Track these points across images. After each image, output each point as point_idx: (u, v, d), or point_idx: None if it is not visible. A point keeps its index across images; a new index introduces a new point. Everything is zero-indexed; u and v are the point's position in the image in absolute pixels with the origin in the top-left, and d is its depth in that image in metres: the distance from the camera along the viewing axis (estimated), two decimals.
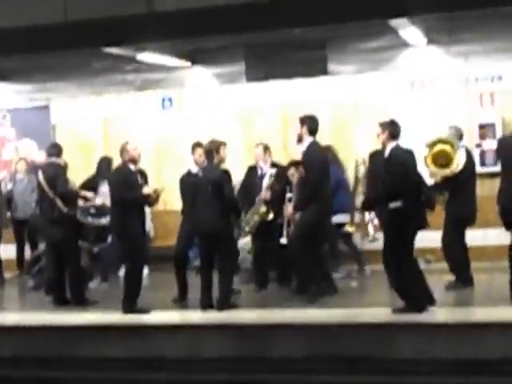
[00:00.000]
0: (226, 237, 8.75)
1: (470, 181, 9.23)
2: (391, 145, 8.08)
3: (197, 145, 9.62)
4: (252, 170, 10.23)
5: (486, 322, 7.62)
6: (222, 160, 8.93)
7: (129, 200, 8.86)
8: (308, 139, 8.93)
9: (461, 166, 8.99)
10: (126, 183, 8.91)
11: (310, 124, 8.95)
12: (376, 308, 8.42)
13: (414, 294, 8.00)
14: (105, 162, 10.92)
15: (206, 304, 8.72)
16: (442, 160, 8.89)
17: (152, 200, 9.13)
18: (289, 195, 9.50)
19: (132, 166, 9.03)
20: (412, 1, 8.29)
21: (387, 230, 8.13)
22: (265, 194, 9.76)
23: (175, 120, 12.61)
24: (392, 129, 8.15)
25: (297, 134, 9.06)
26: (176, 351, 8.01)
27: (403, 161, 8.01)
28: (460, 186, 9.08)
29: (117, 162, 9.46)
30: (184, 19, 8.85)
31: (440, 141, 8.97)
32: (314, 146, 8.93)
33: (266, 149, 10.20)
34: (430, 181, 8.95)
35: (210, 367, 7.80)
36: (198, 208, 8.84)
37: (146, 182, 9.91)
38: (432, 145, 8.95)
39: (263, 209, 9.71)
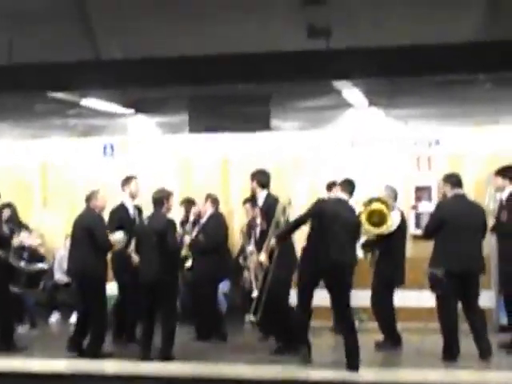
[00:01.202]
0: (168, 287, 8.71)
1: (401, 242, 9.42)
2: (262, 194, 8.85)
3: (132, 177, 9.82)
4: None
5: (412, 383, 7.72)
6: (168, 209, 8.99)
7: (100, 244, 8.89)
8: (262, 193, 9.07)
9: (394, 227, 9.17)
10: (96, 227, 8.96)
11: (261, 178, 9.12)
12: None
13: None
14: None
15: (145, 355, 8.65)
16: (376, 218, 9.04)
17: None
18: (250, 248, 9.51)
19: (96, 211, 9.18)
20: (354, 65, 8.48)
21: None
22: None
23: (116, 167, 12.54)
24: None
25: (250, 190, 9.29)
26: None
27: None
28: (391, 247, 9.27)
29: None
30: (130, 68, 8.90)
31: (376, 200, 9.13)
32: (269, 197, 9.04)
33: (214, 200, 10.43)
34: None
35: None
36: (142, 258, 8.82)
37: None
38: (368, 203, 9.10)
39: None
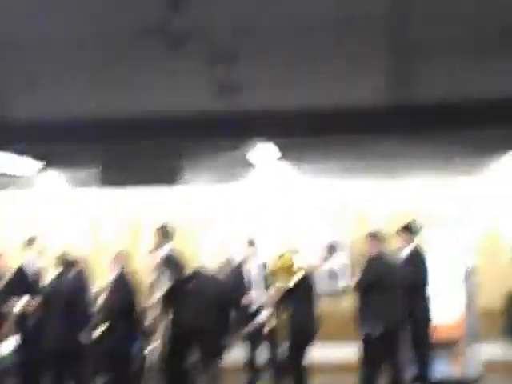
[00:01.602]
0: (75, 353, 8.55)
1: (308, 299, 9.44)
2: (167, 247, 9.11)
3: (33, 239, 9.58)
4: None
5: None
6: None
7: None
8: (166, 246, 9.07)
9: (294, 282, 9.20)
10: None
11: (165, 231, 9.15)
12: None
13: None
14: None
15: None
16: (284, 274, 9.12)
17: None
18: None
19: None
20: (263, 125, 8.57)
21: None
22: None
23: (23, 222, 12.30)
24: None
25: (154, 243, 9.25)
26: None
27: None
28: (299, 303, 9.29)
29: None
30: (37, 126, 8.80)
31: (281, 257, 9.23)
32: (172, 251, 9.03)
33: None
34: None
35: None
36: (47, 321, 8.59)
37: None
38: (277, 259, 9.20)
39: None
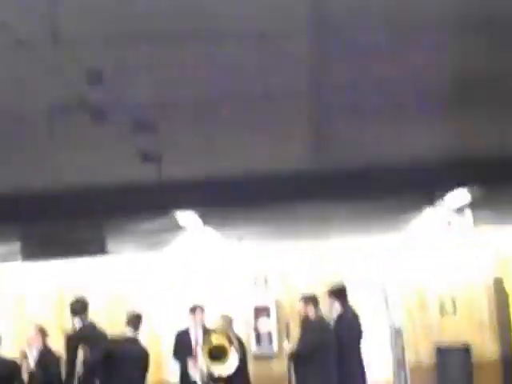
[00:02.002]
0: None
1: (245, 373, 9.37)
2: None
3: None
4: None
5: None
6: None
7: None
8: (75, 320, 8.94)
9: (232, 369, 9.02)
10: None
11: (74, 305, 9.02)
12: None
13: None
14: None
15: None
16: (217, 353, 8.95)
17: None
18: None
19: None
20: (185, 195, 8.59)
21: None
22: None
23: None
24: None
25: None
26: None
27: None
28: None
29: None
30: None
31: (214, 332, 9.08)
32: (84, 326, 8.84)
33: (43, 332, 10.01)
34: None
35: None
36: None
37: None
38: (207, 337, 9.01)
39: None
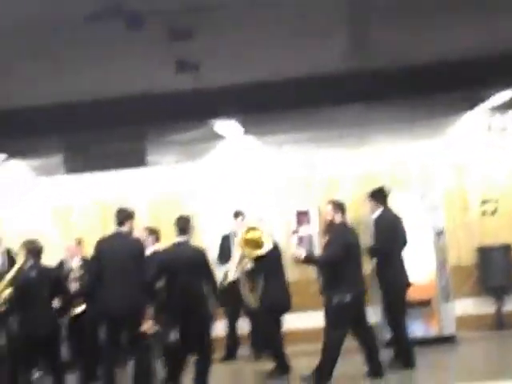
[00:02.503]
0: (54, 338, 8.49)
1: (278, 270, 9.49)
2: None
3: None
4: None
5: None
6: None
7: None
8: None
9: (265, 250, 9.27)
10: None
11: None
12: None
13: None
14: None
15: None
16: (252, 246, 9.22)
17: None
18: None
19: None
20: (223, 102, 8.57)
21: None
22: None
23: None
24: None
25: None
26: None
27: None
28: (270, 273, 9.34)
29: None
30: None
31: (251, 229, 9.28)
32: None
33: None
34: None
35: None
36: (31, 309, 8.55)
37: None
38: (245, 232, 9.26)
39: None
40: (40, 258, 8.67)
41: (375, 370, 8.74)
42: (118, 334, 8.42)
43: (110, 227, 10.86)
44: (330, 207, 8.97)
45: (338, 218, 8.91)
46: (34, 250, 8.70)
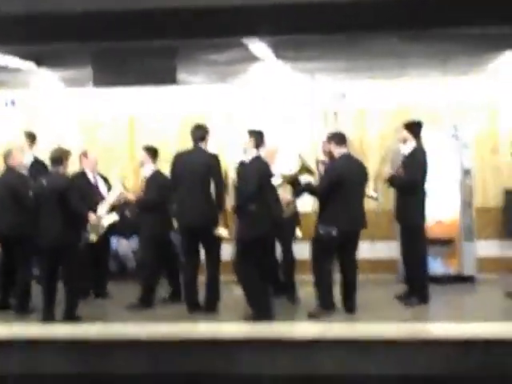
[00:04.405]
0: (69, 248, 8.54)
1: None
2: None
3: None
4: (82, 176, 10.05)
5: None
6: (67, 168, 8.82)
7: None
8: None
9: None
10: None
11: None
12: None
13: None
14: None
15: (48, 317, 8.52)
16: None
17: None
18: None
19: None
20: (260, 21, 8.39)
21: None
22: None
23: (17, 122, 12.18)
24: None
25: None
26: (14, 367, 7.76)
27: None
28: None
29: None
30: (32, 24, 8.60)
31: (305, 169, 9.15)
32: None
33: None
34: None
35: None
36: (43, 218, 8.60)
37: None
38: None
39: None
40: (58, 166, 8.67)
41: (349, 306, 8.72)
42: (196, 243, 8.91)
43: (138, 141, 10.92)
44: (326, 141, 8.97)
45: (337, 151, 8.81)
46: (53, 159, 8.73)
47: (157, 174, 9.49)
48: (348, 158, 8.89)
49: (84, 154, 10.03)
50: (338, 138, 8.91)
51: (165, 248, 9.48)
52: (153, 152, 9.61)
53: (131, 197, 9.54)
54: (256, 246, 8.34)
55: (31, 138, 10.18)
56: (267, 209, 8.37)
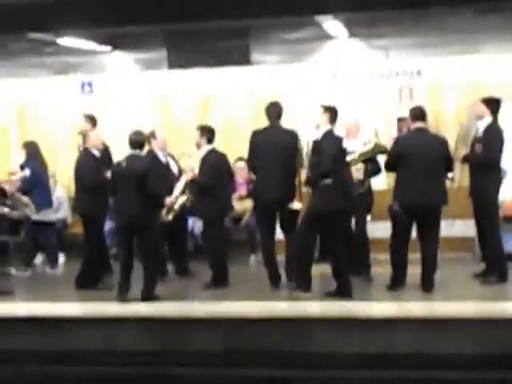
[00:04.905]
0: (147, 229, 8.64)
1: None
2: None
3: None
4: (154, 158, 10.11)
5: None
6: (150, 151, 8.93)
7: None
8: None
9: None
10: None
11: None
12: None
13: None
14: (31, 147, 10.76)
15: (124, 297, 8.66)
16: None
17: None
18: None
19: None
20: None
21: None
22: None
23: (95, 105, 12.35)
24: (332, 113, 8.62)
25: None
26: (94, 344, 7.95)
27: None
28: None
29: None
30: (106, 6, 8.73)
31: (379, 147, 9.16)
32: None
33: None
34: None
35: (127, 360, 7.77)
36: (121, 199, 8.75)
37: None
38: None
39: None
40: (140, 149, 8.79)
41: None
42: (274, 220, 9.01)
43: (211, 121, 10.91)
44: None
45: (412, 126, 8.75)
46: (134, 142, 8.81)
47: (211, 155, 9.36)
48: (419, 133, 8.77)
49: (152, 135, 9.93)
50: (413, 113, 8.82)
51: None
52: (207, 132, 9.45)
53: (189, 177, 9.53)
54: (322, 221, 8.32)
55: (92, 121, 10.27)
56: (341, 185, 8.33)
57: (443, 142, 8.90)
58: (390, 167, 8.89)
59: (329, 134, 8.53)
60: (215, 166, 9.28)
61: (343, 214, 8.54)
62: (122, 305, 8.54)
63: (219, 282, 9.28)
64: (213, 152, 9.40)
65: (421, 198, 8.54)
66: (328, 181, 8.25)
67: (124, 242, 8.79)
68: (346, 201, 8.38)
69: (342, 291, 8.35)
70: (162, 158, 9.94)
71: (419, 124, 8.76)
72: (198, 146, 9.47)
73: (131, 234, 8.67)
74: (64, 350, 7.92)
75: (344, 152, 8.61)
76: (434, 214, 8.70)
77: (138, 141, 8.80)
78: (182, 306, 8.54)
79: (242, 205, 11.39)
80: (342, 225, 8.60)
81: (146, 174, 8.58)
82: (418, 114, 8.81)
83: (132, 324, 8.07)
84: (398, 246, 8.71)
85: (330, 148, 8.37)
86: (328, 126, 8.55)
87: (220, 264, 9.34)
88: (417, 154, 8.55)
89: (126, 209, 8.65)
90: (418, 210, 8.61)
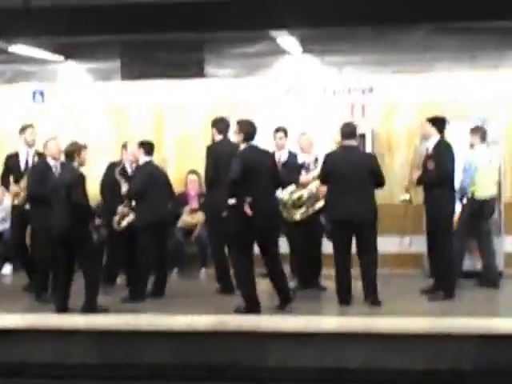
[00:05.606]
0: (81, 239, 8.61)
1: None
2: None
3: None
4: (113, 166, 10.08)
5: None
6: (81, 163, 8.85)
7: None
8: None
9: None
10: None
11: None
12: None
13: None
14: None
15: (61, 307, 8.57)
16: None
17: None
18: None
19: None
20: (289, 14, 8.40)
21: None
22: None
23: (46, 114, 12.24)
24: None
25: None
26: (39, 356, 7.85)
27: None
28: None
29: None
30: (60, 16, 8.67)
31: None
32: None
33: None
34: None
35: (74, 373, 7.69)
36: (53, 209, 8.70)
37: None
38: None
39: None
40: (71, 160, 8.73)
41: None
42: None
43: (165, 133, 10.83)
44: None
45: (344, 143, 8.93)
46: (66, 153, 8.79)
47: (146, 166, 9.52)
48: (348, 150, 8.91)
49: (124, 146, 10.11)
50: (343, 131, 8.95)
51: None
52: (145, 145, 9.58)
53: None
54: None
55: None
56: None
57: (371, 158, 9.16)
58: (322, 182, 9.17)
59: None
60: (148, 177, 9.36)
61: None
62: (69, 316, 8.43)
63: (137, 295, 9.21)
64: (149, 163, 9.52)
65: (349, 214, 8.67)
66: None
67: (58, 253, 8.73)
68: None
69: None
70: (128, 169, 9.94)
71: (348, 142, 8.90)
72: (136, 160, 9.66)
73: (64, 244, 8.62)
74: (8, 362, 7.80)
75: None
76: (366, 227, 8.80)
77: (69, 152, 8.78)
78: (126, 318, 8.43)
79: (194, 218, 11.39)
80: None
81: (72, 185, 8.56)
82: (348, 131, 8.95)
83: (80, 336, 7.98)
84: (338, 259, 8.80)
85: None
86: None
87: (143, 275, 9.29)
88: (344, 170, 8.70)
89: (56, 219, 8.61)
90: (348, 225, 8.73)
